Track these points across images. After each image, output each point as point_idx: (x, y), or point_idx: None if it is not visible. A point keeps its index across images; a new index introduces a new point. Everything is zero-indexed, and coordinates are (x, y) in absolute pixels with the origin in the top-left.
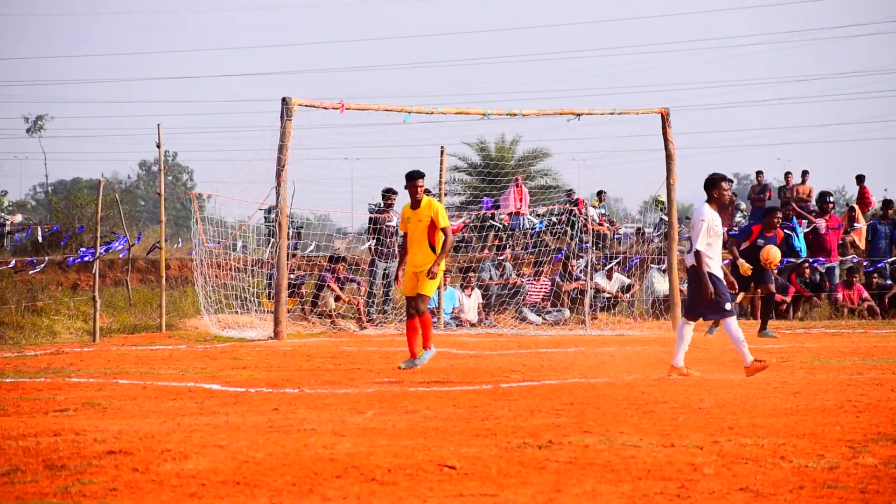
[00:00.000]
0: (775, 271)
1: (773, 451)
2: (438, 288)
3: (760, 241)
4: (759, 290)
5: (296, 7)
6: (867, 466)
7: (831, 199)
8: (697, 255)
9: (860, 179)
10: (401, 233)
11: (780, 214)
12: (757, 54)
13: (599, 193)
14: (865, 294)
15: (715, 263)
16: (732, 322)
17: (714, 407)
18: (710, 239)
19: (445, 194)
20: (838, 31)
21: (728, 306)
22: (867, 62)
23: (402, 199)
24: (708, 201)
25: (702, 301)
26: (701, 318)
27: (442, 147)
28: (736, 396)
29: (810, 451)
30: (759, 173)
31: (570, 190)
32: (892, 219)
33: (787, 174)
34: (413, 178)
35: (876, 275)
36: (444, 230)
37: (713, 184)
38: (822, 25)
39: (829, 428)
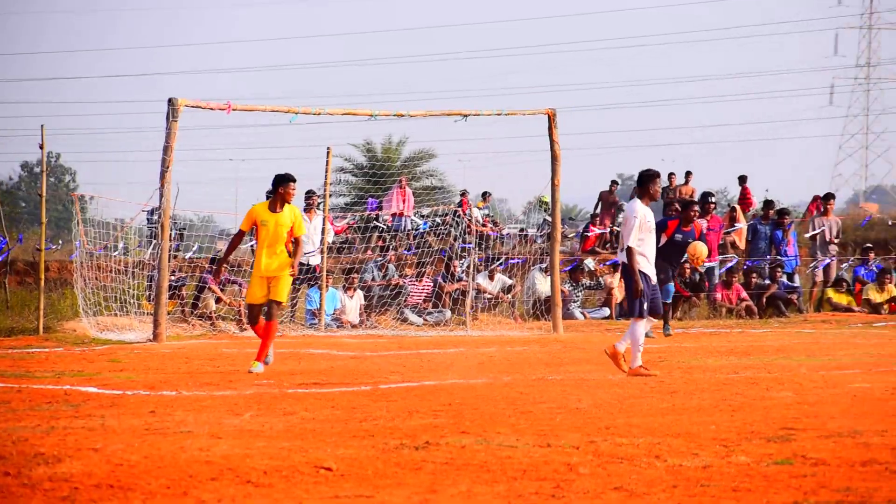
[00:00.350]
0: (702, 269)
1: (649, 451)
2: (320, 289)
3: (678, 237)
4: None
5: (180, 8)
6: (740, 465)
7: (713, 199)
8: (629, 251)
9: (742, 180)
10: (237, 230)
11: (697, 208)
12: (640, 56)
13: (484, 194)
14: (744, 294)
15: (646, 261)
16: (641, 325)
17: (591, 407)
18: (642, 235)
19: (330, 195)
20: (720, 33)
21: (646, 306)
22: (747, 64)
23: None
24: (640, 196)
25: (632, 296)
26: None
27: (328, 148)
28: (613, 396)
29: (685, 450)
30: None
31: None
32: (772, 219)
33: (671, 175)
34: (289, 180)
35: (755, 274)
36: (298, 240)
37: (648, 179)
38: (704, 27)
39: (704, 427)
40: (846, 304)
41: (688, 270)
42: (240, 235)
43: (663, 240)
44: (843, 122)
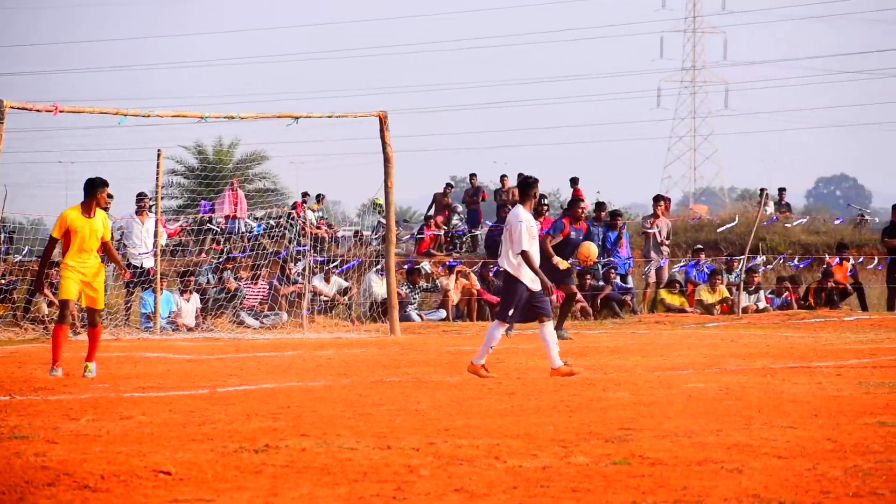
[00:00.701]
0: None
1: (488, 452)
2: (154, 292)
3: (573, 234)
4: (560, 290)
5: (5, 9)
6: (579, 465)
7: (546, 201)
8: (525, 255)
9: (574, 182)
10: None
11: (583, 205)
12: (472, 58)
13: (318, 196)
14: (579, 295)
15: (527, 270)
16: (501, 330)
17: (430, 408)
18: (530, 240)
19: (162, 198)
20: (551, 36)
21: (511, 313)
22: (577, 67)
23: (119, 201)
24: (521, 203)
25: (545, 293)
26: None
27: (159, 150)
28: (452, 398)
29: (524, 452)
30: (472, 176)
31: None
32: (604, 221)
33: (503, 177)
34: (104, 185)
35: (588, 276)
36: (107, 244)
37: (529, 186)
38: (535, 30)
39: (543, 428)
40: (679, 304)
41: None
42: (52, 243)
43: (558, 240)
44: (671, 125)
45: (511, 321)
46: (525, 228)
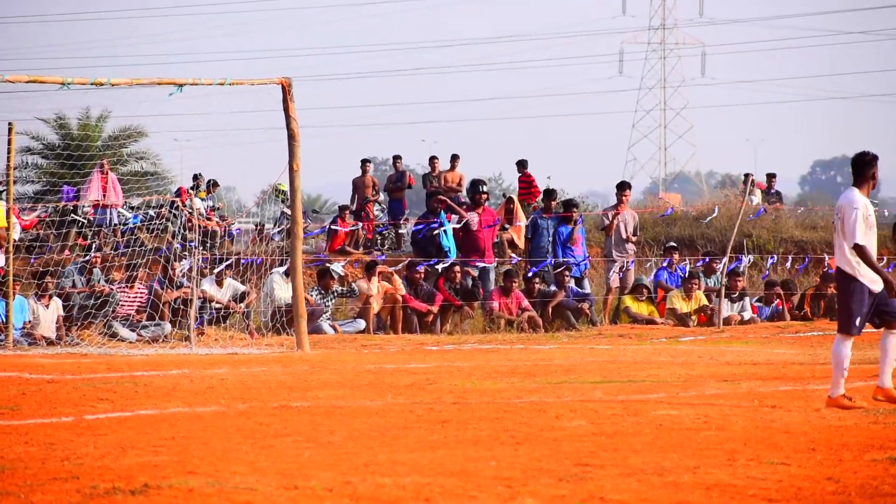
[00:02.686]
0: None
1: (417, 493)
2: (5, 297)
3: None
4: None
5: None
6: None
7: (485, 188)
8: (859, 249)
9: (521, 165)
10: None
11: None
12: (396, 15)
13: (209, 182)
14: (525, 302)
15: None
16: (847, 344)
17: (346, 440)
18: (865, 230)
19: (15, 182)
20: None
21: (858, 322)
22: (522, 26)
23: None
24: (857, 185)
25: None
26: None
27: (10, 123)
28: (373, 427)
29: (460, 493)
30: (396, 158)
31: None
32: (555, 212)
33: (433, 159)
34: None
35: (538, 279)
36: None
37: (866, 164)
38: None
39: (483, 463)
40: (647, 314)
41: (458, 274)
42: None
43: None
44: (637, 96)
45: (856, 331)
46: (861, 217)
